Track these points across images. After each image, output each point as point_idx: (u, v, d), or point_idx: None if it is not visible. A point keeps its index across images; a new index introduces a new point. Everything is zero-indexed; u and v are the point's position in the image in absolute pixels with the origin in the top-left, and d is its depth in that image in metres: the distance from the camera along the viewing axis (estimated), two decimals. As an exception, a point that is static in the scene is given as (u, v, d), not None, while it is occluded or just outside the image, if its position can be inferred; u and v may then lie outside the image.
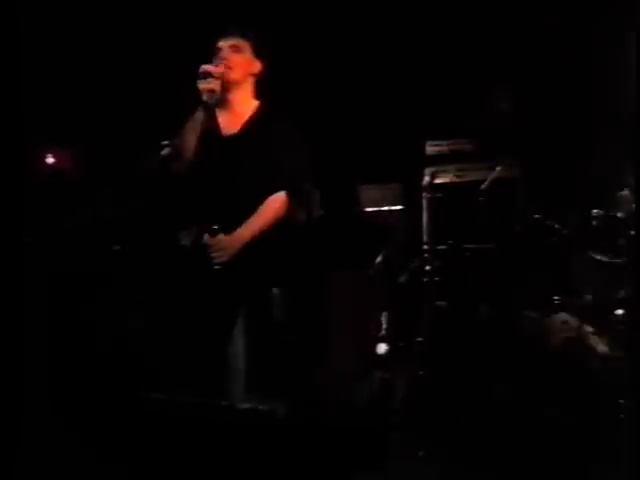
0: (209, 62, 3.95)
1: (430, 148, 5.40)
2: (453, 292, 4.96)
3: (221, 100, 4.03)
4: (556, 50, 5.55)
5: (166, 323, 4.80)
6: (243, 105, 4.07)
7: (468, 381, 4.61)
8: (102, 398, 3.92)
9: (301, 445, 3.45)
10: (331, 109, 5.54)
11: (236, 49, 4.01)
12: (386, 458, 4.13)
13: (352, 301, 5.19)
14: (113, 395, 3.89)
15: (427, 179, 5.21)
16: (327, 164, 4.31)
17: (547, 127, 5.29)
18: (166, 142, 4.12)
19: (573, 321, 4.47)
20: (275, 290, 3.93)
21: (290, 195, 3.96)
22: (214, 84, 3.91)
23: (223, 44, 4.01)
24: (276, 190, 3.95)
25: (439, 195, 5.15)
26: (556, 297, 4.57)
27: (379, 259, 5.27)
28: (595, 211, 4.47)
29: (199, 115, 3.95)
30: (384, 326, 5.13)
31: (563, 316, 4.54)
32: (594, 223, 4.47)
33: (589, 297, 4.48)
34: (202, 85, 3.91)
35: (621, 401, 4.03)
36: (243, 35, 4.04)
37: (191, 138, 3.97)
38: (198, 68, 3.92)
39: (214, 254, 3.91)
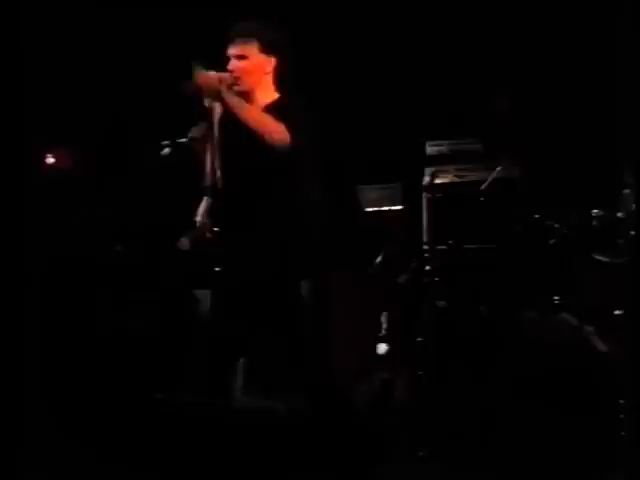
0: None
1: (430, 148, 5.39)
2: (453, 292, 4.96)
3: (246, 99, 3.99)
4: (556, 50, 5.56)
5: (168, 323, 4.82)
6: (264, 100, 4.02)
7: (468, 381, 4.61)
8: (103, 398, 3.92)
9: (301, 444, 3.45)
10: (332, 109, 5.53)
11: (241, 57, 3.93)
12: (386, 458, 4.14)
13: (352, 301, 5.19)
14: (114, 395, 3.89)
15: (427, 179, 5.20)
16: (328, 164, 4.29)
17: (547, 127, 5.29)
18: (166, 142, 4.12)
19: (573, 321, 4.47)
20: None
21: (292, 130, 3.83)
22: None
23: (231, 52, 3.96)
24: None
25: (439, 195, 5.14)
26: (556, 297, 4.57)
27: (379, 259, 5.27)
28: (595, 211, 4.47)
29: (207, 122, 3.94)
30: (384, 326, 5.13)
31: (563, 316, 4.54)
32: (594, 223, 4.47)
33: (589, 297, 4.48)
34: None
35: (621, 401, 4.03)
36: (247, 37, 3.96)
37: (204, 148, 3.96)
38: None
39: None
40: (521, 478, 4.00)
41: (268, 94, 4.02)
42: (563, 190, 5.07)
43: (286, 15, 5.37)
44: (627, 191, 4.24)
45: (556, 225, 4.61)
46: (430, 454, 4.27)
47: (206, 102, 3.93)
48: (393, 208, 5.52)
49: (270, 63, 4.00)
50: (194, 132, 4.09)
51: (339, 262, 5.05)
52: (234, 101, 3.82)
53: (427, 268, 4.97)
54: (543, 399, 4.29)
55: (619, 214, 4.40)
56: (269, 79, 4.02)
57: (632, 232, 4.20)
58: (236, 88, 3.92)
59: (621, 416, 3.96)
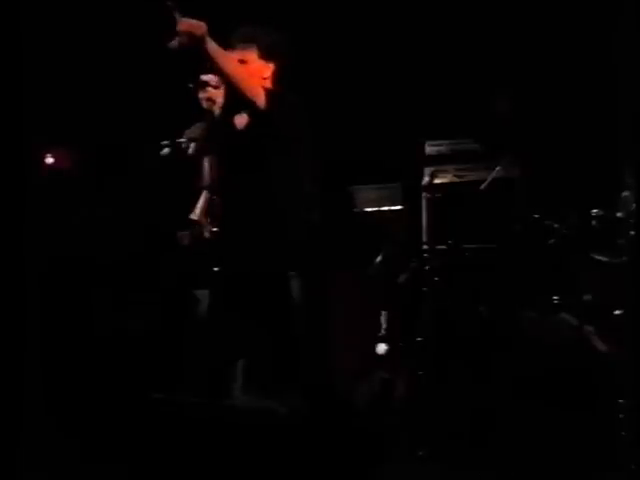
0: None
1: (430, 148, 5.39)
2: (453, 292, 4.96)
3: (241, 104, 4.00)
4: (556, 50, 5.56)
5: (167, 323, 4.81)
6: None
7: (467, 381, 4.61)
8: (103, 398, 3.92)
9: (301, 445, 3.45)
10: (331, 109, 5.54)
11: (241, 62, 3.94)
12: (386, 458, 4.13)
13: (352, 301, 5.19)
14: (113, 395, 3.89)
15: (427, 179, 5.21)
16: (327, 164, 4.30)
17: (547, 127, 5.29)
18: (165, 142, 4.12)
19: (573, 321, 4.47)
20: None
21: (270, 96, 3.83)
22: (212, 93, 3.90)
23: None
24: None
25: (439, 195, 5.14)
26: (556, 297, 4.57)
27: (379, 259, 5.27)
28: (594, 211, 4.47)
29: (205, 125, 3.94)
30: (384, 326, 5.13)
31: (563, 316, 4.54)
32: (593, 223, 4.47)
33: (589, 297, 4.48)
34: (200, 94, 3.90)
35: (621, 401, 4.03)
36: (247, 43, 3.98)
37: (202, 150, 3.96)
38: (196, 73, 3.92)
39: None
40: (521, 478, 4.00)
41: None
42: (562, 190, 5.07)
43: (286, 16, 5.39)
44: (626, 193, 4.25)
45: (555, 225, 4.60)
46: (430, 454, 4.27)
47: (204, 105, 3.93)
48: (393, 208, 5.52)
49: (269, 69, 4.01)
50: (192, 132, 4.10)
51: (339, 262, 5.05)
52: (216, 49, 3.70)
53: (427, 268, 4.97)
54: (543, 399, 4.29)
55: (618, 214, 4.40)
56: (267, 84, 4.03)
57: (632, 232, 4.21)
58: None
59: (621, 416, 3.96)
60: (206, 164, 4.03)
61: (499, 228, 4.95)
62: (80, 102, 5.62)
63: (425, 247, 5.05)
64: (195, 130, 4.10)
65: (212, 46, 3.68)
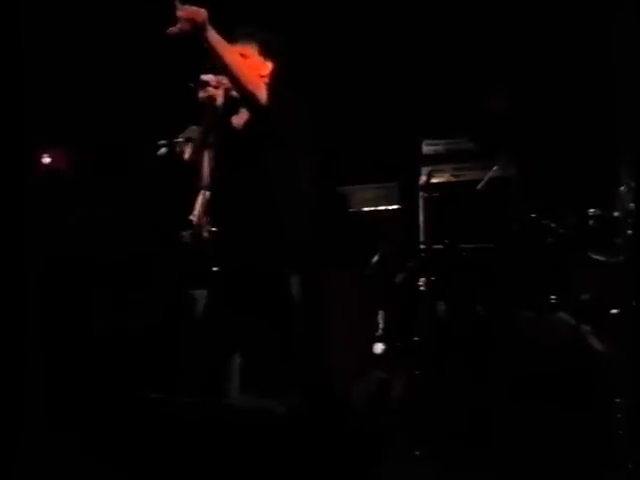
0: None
1: (427, 147, 5.40)
2: (450, 291, 4.96)
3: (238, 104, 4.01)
4: (552, 49, 5.57)
5: (165, 322, 4.80)
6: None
7: (465, 381, 4.61)
8: (100, 398, 3.91)
9: (299, 444, 3.45)
10: (328, 109, 5.53)
11: (241, 56, 3.97)
12: (383, 457, 4.13)
13: (349, 301, 5.19)
14: (111, 395, 3.89)
15: (424, 178, 5.22)
16: (325, 163, 4.29)
17: (543, 126, 5.29)
18: (163, 142, 4.12)
19: (570, 320, 4.47)
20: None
21: (272, 92, 3.81)
22: (212, 93, 3.90)
23: None
24: None
25: (436, 194, 5.15)
26: (553, 296, 4.57)
27: (376, 258, 5.27)
28: (592, 210, 4.48)
29: (203, 125, 3.93)
30: (381, 325, 5.13)
31: (560, 315, 4.55)
32: (591, 222, 4.47)
33: (586, 296, 4.49)
34: (200, 94, 3.89)
35: (618, 400, 4.03)
36: (247, 39, 3.98)
37: (201, 150, 3.95)
38: (197, 73, 3.91)
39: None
40: (518, 478, 4.00)
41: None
42: (559, 189, 5.08)
43: (286, 15, 5.40)
44: (623, 188, 4.25)
45: (553, 224, 4.61)
46: (427, 453, 4.27)
47: (204, 105, 3.92)
48: (390, 208, 5.52)
49: (267, 66, 4.01)
50: (190, 131, 4.09)
51: (336, 261, 5.05)
52: (216, 38, 3.67)
53: (424, 267, 4.97)
54: (540, 398, 4.29)
55: (616, 213, 4.41)
56: (265, 82, 4.03)
57: (629, 231, 4.22)
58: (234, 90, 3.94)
59: (618, 415, 3.97)
60: (205, 164, 4.03)
61: (496, 228, 4.96)
62: (78, 102, 5.62)
63: (422, 247, 5.06)
64: (193, 130, 4.09)
65: (212, 34, 3.65)
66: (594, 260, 4.45)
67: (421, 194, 5.16)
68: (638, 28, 4.02)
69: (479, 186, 5.00)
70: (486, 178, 5.00)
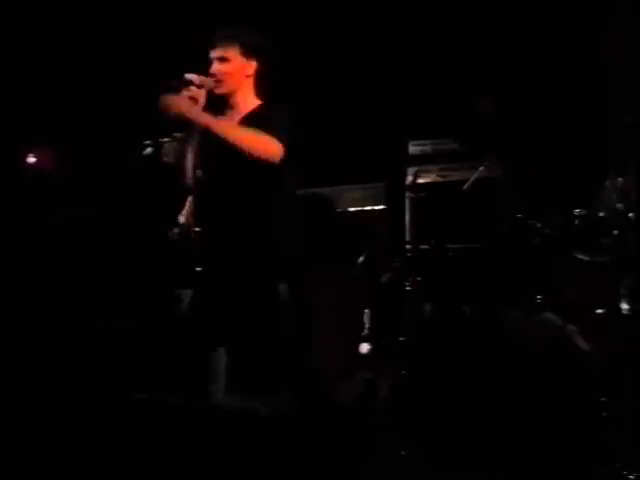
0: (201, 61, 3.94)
1: (413, 148, 5.41)
2: (436, 291, 4.96)
3: (224, 104, 4.02)
4: (537, 50, 5.58)
5: (151, 322, 4.78)
6: (246, 105, 4.04)
7: (451, 381, 4.61)
8: (86, 398, 3.90)
9: (284, 445, 3.44)
10: (314, 109, 5.53)
11: (223, 59, 3.96)
12: (369, 457, 4.13)
13: (335, 301, 5.18)
14: (97, 395, 3.87)
15: (410, 179, 5.22)
16: (311, 164, 4.29)
17: (529, 127, 5.31)
18: (147, 142, 4.10)
19: (556, 320, 4.48)
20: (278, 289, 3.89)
21: (283, 143, 3.84)
22: (195, 92, 3.89)
23: (213, 55, 3.98)
24: None
25: (422, 195, 5.16)
26: (539, 296, 4.58)
27: (362, 259, 5.27)
28: (577, 211, 4.49)
29: (186, 125, 3.92)
30: (367, 325, 5.13)
31: (546, 315, 4.55)
32: (576, 222, 4.48)
33: (572, 296, 4.50)
34: (183, 93, 3.89)
35: (603, 399, 4.05)
36: (229, 41, 3.98)
37: (184, 150, 3.94)
38: (181, 75, 3.91)
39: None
40: (505, 478, 4.01)
41: (249, 99, 4.04)
42: (545, 190, 5.09)
43: (267, 17, 5.39)
44: (607, 183, 4.27)
45: (538, 225, 4.62)
46: (413, 454, 4.27)
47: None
48: (376, 208, 5.51)
49: (251, 66, 4.02)
50: (148, 152, 4.08)
51: (322, 261, 5.05)
52: (206, 119, 3.78)
53: (410, 268, 4.97)
54: (527, 398, 4.30)
55: (601, 213, 4.43)
56: (250, 83, 4.04)
57: (615, 231, 4.24)
58: (217, 91, 3.95)
59: (604, 414, 3.98)
60: (188, 164, 4.01)
61: (482, 228, 4.97)
62: (63, 102, 5.59)
63: (408, 247, 5.06)
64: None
65: (202, 118, 3.77)
66: (580, 260, 4.46)
67: (407, 194, 5.17)
68: (630, 31, 4.05)
69: (465, 186, 5.01)
70: (472, 178, 5.01)
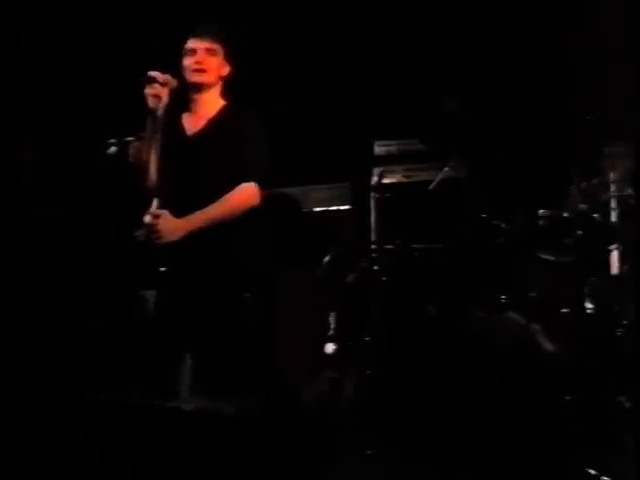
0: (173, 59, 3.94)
1: (379, 148, 5.42)
2: (401, 291, 4.97)
3: (189, 103, 4.04)
4: (501, 51, 5.62)
5: (115, 323, 4.75)
6: (210, 106, 4.05)
7: (416, 380, 4.62)
8: (49, 399, 3.87)
9: (250, 445, 3.43)
10: (280, 109, 5.52)
11: (212, 52, 3.99)
12: (334, 457, 4.13)
13: (300, 301, 5.18)
14: (60, 396, 3.84)
15: (375, 179, 5.23)
16: (276, 163, 4.28)
17: (495, 127, 5.33)
18: (112, 140, 4.08)
19: (520, 319, 4.50)
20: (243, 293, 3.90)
21: (260, 185, 3.93)
22: (159, 90, 3.87)
23: (199, 45, 3.97)
24: (244, 182, 3.91)
25: (387, 195, 5.17)
26: (503, 296, 4.60)
27: (327, 259, 5.27)
28: (541, 211, 4.52)
29: (149, 123, 3.91)
30: (332, 326, 5.13)
31: (510, 315, 4.57)
32: (540, 223, 4.51)
33: (536, 295, 4.53)
34: (147, 90, 3.87)
35: (567, 398, 4.08)
36: (218, 38, 4.01)
37: (146, 149, 3.92)
38: (144, 73, 3.89)
39: (154, 234, 3.83)
40: (469, 477, 4.02)
41: (215, 100, 4.05)
42: (510, 190, 5.12)
43: (233, 16, 5.38)
44: (574, 187, 4.31)
45: (503, 225, 4.64)
46: (379, 453, 4.27)
47: (150, 102, 3.89)
48: (341, 208, 5.52)
49: (226, 69, 4.04)
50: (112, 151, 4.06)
51: (288, 262, 5.04)
52: (197, 223, 3.85)
53: (375, 268, 4.98)
54: (491, 398, 4.31)
55: (565, 214, 4.47)
56: (220, 85, 4.06)
57: (579, 231, 4.27)
58: (195, 79, 3.98)
59: (568, 412, 4.01)
60: (152, 164, 3.99)
61: (447, 228, 4.99)
62: (28, 97, 5.54)
63: (374, 247, 5.07)
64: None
65: (194, 225, 3.84)
66: (544, 260, 4.49)
67: (373, 194, 5.17)
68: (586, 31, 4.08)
69: (430, 187, 5.03)
70: (437, 179, 5.02)
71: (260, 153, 3.96)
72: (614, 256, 4.08)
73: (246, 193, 3.89)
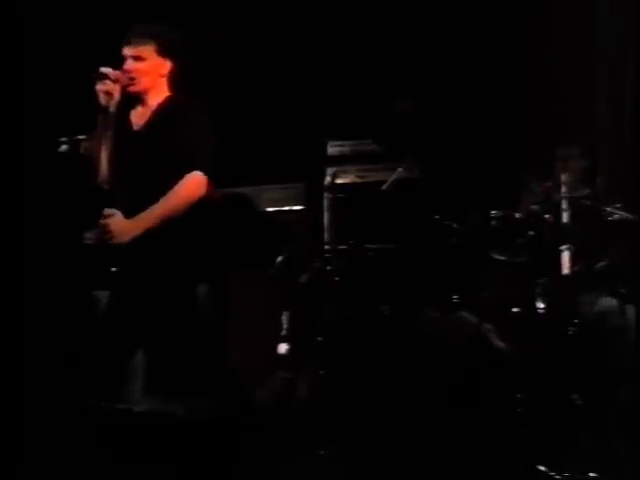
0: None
1: (332, 148, 5.42)
2: (355, 292, 4.98)
3: (135, 100, 3.99)
4: (455, 52, 5.66)
5: (68, 323, 4.71)
6: (155, 99, 4.01)
7: (369, 380, 4.63)
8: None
9: (202, 446, 3.43)
10: (233, 109, 5.51)
11: (138, 58, 3.91)
12: (287, 457, 4.13)
13: (253, 301, 5.17)
14: (13, 398, 3.81)
15: (329, 179, 5.24)
16: (230, 163, 4.27)
17: (448, 128, 5.37)
18: (63, 139, 4.05)
19: (472, 319, 4.54)
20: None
21: (206, 173, 3.88)
22: (110, 87, 3.85)
23: (127, 53, 3.93)
24: (189, 171, 3.88)
25: (341, 195, 5.18)
26: (455, 296, 4.63)
27: (280, 259, 5.26)
28: (494, 212, 4.56)
29: (100, 120, 3.88)
30: (285, 326, 5.12)
31: (462, 314, 4.61)
32: (493, 223, 4.55)
33: (488, 295, 4.56)
34: (98, 87, 3.85)
35: (519, 396, 4.11)
36: (145, 39, 3.94)
37: (98, 146, 3.90)
38: (97, 69, 3.87)
39: (107, 235, 3.80)
40: (422, 477, 4.04)
41: (159, 95, 4.02)
42: (463, 191, 5.16)
43: (182, 13, 5.36)
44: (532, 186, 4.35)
45: (455, 225, 4.67)
46: (332, 453, 4.27)
47: (102, 99, 3.87)
48: (295, 208, 5.52)
49: (166, 66, 3.99)
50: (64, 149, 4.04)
51: (241, 262, 5.03)
52: (148, 224, 3.81)
53: (328, 268, 4.99)
54: (443, 397, 4.34)
55: (517, 214, 4.51)
56: (164, 82, 4.02)
57: (530, 232, 4.32)
58: (130, 89, 3.91)
59: (519, 410, 4.05)
60: (102, 160, 3.96)
61: (400, 228, 5.01)
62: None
63: (327, 247, 5.07)
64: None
65: (144, 227, 3.79)
66: (496, 260, 4.53)
67: (326, 195, 5.18)
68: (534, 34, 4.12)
69: (384, 187, 5.05)
70: (391, 179, 5.04)
71: (205, 140, 3.91)
72: (565, 256, 4.12)
73: (192, 183, 3.85)
